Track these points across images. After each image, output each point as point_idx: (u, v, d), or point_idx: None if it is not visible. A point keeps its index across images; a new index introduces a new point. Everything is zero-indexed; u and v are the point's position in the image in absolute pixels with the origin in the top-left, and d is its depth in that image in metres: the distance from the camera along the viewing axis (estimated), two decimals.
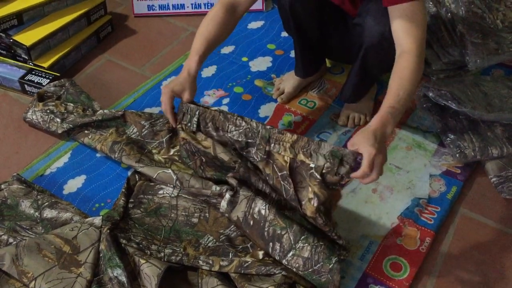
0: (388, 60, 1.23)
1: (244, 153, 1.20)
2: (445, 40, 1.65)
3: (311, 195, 1.09)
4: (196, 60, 1.26)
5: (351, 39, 1.42)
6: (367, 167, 1.02)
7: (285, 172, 1.12)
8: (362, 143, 1.04)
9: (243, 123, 1.18)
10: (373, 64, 1.38)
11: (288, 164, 1.12)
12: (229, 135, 1.19)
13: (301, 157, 1.11)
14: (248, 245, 1.18)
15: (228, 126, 1.20)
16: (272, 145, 1.14)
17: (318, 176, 1.08)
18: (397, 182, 1.37)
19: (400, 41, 1.17)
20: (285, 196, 1.14)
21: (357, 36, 1.36)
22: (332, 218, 1.16)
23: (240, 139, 1.17)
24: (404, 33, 1.16)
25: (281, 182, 1.14)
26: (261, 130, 1.16)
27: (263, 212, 1.15)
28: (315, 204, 1.09)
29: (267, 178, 1.18)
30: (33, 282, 1.05)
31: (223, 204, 1.19)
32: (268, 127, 1.16)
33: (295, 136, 1.14)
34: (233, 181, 1.20)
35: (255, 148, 1.17)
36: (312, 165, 1.09)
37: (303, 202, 1.12)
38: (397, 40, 1.18)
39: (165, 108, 1.27)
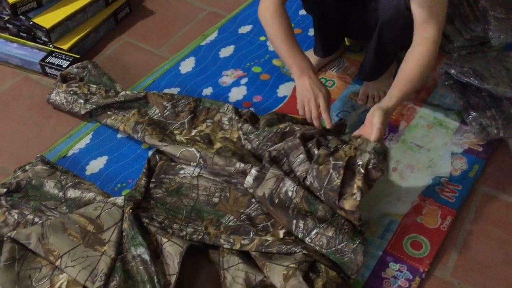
0: (404, 36, 1.21)
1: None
2: (467, 15, 1.62)
3: (355, 191, 1.09)
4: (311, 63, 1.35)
5: (368, 16, 1.40)
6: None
7: (341, 162, 1.11)
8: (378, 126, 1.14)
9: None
10: (389, 40, 1.36)
11: (347, 158, 1.12)
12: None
13: (356, 157, 1.12)
14: (269, 223, 1.19)
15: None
16: (344, 145, 1.16)
17: (362, 171, 1.09)
18: (417, 160, 1.36)
19: (421, 20, 1.17)
20: (325, 185, 1.12)
21: (372, 12, 1.34)
22: None
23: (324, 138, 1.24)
24: (427, 15, 1.16)
25: (330, 170, 1.12)
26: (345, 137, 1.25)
27: (290, 193, 1.15)
28: (358, 199, 1.08)
29: (313, 163, 1.16)
30: (59, 260, 1.08)
31: (249, 179, 1.20)
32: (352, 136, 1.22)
33: (361, 141, 1.16)
34: (267, 155, 1.21)
35: (331, 138, 1.21)
36: (360, 162, 1.10)
37: (343, 197, 1.11)
38: (418, 20, 1.18)
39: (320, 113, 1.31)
